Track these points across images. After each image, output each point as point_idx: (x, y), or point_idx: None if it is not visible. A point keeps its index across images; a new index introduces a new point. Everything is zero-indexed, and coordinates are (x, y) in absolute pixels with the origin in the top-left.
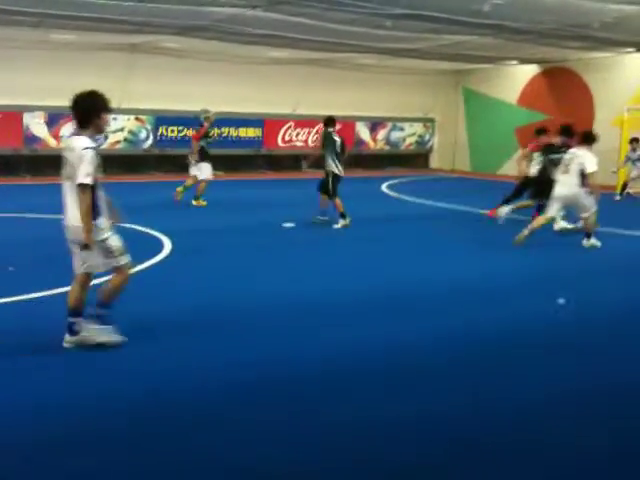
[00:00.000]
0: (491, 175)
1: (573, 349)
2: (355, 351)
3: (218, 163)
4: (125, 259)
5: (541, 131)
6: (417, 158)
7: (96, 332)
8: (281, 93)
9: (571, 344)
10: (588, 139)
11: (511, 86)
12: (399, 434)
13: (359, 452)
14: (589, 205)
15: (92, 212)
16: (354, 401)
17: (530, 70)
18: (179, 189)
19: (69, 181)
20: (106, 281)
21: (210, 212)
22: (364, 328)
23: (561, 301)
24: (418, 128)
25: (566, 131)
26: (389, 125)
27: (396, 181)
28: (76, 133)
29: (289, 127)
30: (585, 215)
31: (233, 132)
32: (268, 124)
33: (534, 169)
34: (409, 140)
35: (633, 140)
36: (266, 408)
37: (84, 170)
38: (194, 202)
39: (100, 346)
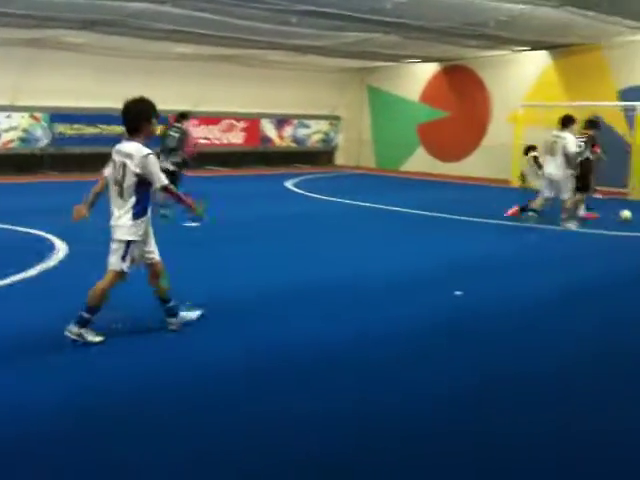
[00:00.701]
0: (395, 171)
1: (474, 338)
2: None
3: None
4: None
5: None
6: (323, 155)
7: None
8: (185, 90)
9: (475, 332)
10: (568, 122)
11: (413, 84)
12: (306, 428)
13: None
14: (569, 187)
15: (141, 210)
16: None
17: (431, 68)
18: None
19: (116, 184)
20: (150, 285)
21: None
22: (264, 324)
23: (458, 293)
24: (324, 125)
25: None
26: (295, 122)
27: (302, 178)
28: (129, 139)
29: (192, 124)
30: (565, 197)
31: None
32: (171, 121)
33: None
34: (315, 137)
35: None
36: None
37: (158, 174)
38: None
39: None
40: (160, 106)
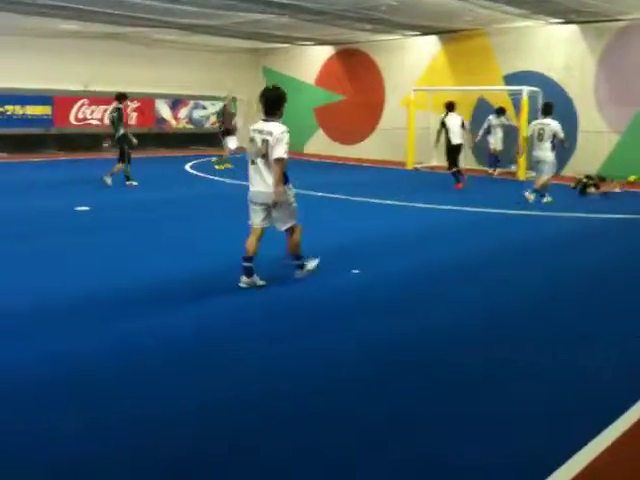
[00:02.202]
0: (297, 154)
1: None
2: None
3: (1, 143)
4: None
5: None
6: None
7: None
8: (73, 69)
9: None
10: (549, 110)
11: (309, 67)
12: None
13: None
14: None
15: (283, 179)
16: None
17: (326, 51)
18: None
19: (262, 157)
20: (290, 240)
21: None
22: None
23: (355, 271)
24: (220, 107)
25: None
26: (191, 103)
27: (201, 160)
28: (267, 119)
29: (82, 105)
30: (545, 177)
31: (19, 110)
32: (59, 101)
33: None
34: (212, 119)
35: (500, 110)
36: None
37: (283, 148)
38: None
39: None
40: (49, 85)
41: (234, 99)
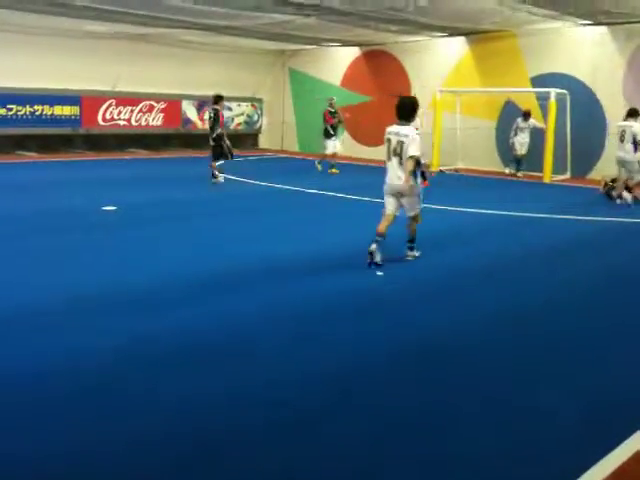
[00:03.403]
0: (318, 155)
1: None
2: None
3: (30, 143)
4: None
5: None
6: (246, 138)
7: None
8: (100, 69)
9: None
10: (635, 113)
11: (334, 68)
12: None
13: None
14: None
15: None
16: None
17: (351, 52)
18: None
19: (396, 156)
20: (408, 225)
21: (22, 195)
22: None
23: (379, 274)
24: (246, 108)
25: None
26: None
27: (226, 161)
28: (402, 123)
29: (110, 105)
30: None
31: (47, 110)
32: (86, 101)
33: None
34: (237, 120)
35: (526, 114)
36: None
37: (416, 147)
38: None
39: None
40: (75, 86)
41: (261, 100)
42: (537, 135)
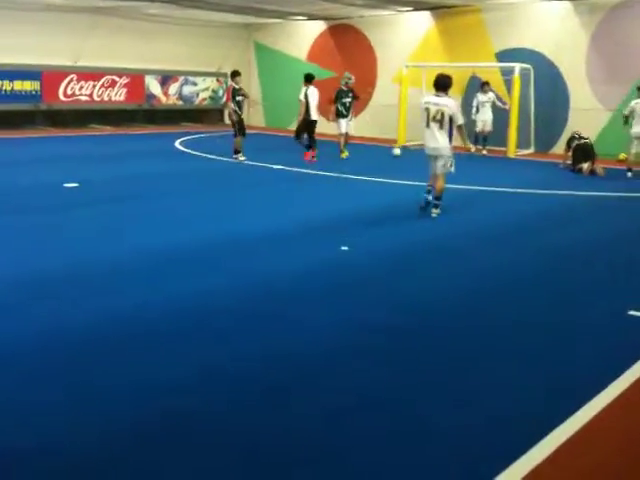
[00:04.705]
0: (284, 130)
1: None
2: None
3: None
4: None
5: None
6: (212, 113)
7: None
8: (61, 43)
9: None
10: None
11: (300, 42)
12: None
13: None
14: None
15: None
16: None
17: (318, 27)
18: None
19: (436, 122)
20: (435, 185)
21: None
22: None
23: (344, 248)
24: (211, 83)
25: None
26: (181, 79)
27: (191, 137)
28: (439, 95)
29: (71, 80)
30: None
31: (7, 85)
32: (47, 76)
33: None
34: (203, 95)
35: (484, 84)
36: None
37: (460, 116)
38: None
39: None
40: (36, 61)
41: (226, 75)
42: (501, 111)
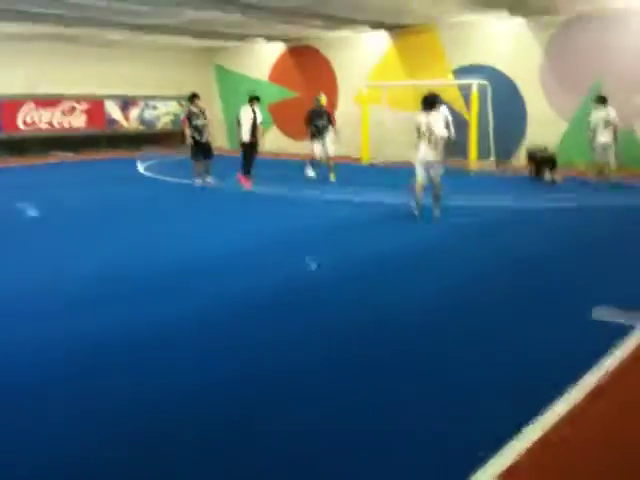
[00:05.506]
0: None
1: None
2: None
3: None
4: None
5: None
6: (174, 136)
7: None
8: (18, 71)
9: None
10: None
11: (261, 64)
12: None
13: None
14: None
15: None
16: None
17: (277, 48)
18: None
19: (429, 137)
20: (434, 190)
21: None
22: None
23: (313, 264)
24: (173, 107)
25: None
26: (141, 103)
27: (154, 162)
28: (428, 111)
29: (29, 108)
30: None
31: None
32: (5, 105)
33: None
34: (165, 119)
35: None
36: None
37: (451, 130)
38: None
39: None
40: None
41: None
42: (461, 124)
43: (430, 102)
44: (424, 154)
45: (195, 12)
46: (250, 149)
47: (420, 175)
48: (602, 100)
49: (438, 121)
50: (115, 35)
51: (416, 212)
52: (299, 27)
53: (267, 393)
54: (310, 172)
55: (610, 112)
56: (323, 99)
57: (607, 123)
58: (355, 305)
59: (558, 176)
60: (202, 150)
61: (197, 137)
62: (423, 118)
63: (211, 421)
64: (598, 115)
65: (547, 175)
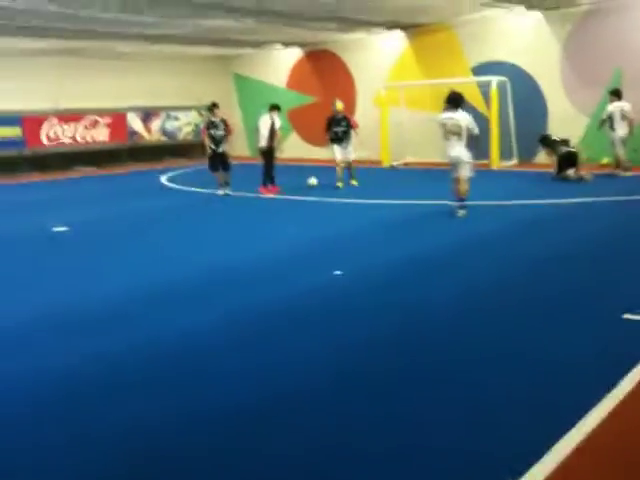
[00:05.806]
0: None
1: None
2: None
3: None
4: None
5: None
6: (196, 147)
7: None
8: (40, 87)
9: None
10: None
11: (279, 70)
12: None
13: None
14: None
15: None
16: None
17: (294, 53)
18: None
19: (454, 135)
20: (459, 187)
21: None
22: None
23: (338, 273)
24: (193, 117)
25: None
26: (162, 115)
27: (177, 172)
28: (455, 110)
29: (52, 123)
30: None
31: None
32: (28, 121)
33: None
34: (186, 129)
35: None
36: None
37: (475, 126)
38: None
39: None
40: (15, 106)
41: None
42: (481, 122)
43: (454, 100)
44: (450, 152)
45: (211, 21)
46: (268, 156)
47: (454, 171)
48: (617, 93)
49: (463, 118)
50: (132, 47)
51: (460, 212)
52: (314, 31)
53: (287, 403)
54: (338, 182)
55: (625, 105)
56: (339, 105)
57: (623, 117)
58: (380, 310)
59: (585, 172)
60: (220, 161)
61: (213, 147)
62: (448, 116)
63: (225, 437)
64: (614, 108)
65: (571, 173)
